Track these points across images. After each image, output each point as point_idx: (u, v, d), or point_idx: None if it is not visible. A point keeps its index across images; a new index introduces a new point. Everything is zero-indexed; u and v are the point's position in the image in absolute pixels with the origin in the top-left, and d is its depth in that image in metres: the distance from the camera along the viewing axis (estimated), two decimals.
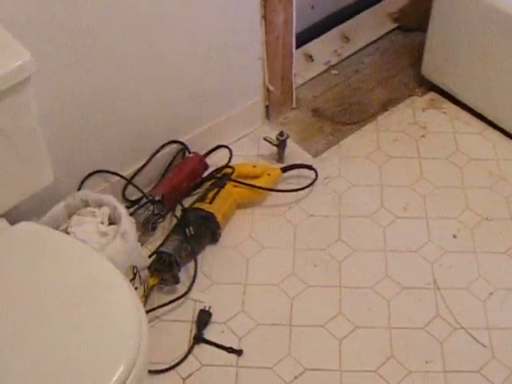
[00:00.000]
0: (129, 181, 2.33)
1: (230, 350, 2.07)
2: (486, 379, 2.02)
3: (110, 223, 2.09)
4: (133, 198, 2.36)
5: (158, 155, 2.41)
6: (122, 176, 2.32)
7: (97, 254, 1.65)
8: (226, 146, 2.54)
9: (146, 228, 2.28)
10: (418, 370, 2.04)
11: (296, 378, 2.02)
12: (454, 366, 2.04)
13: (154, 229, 2.32)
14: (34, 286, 1.56)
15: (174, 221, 2.34)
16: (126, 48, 2.09)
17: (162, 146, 2.41)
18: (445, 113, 2.78)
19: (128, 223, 2.03)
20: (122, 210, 2.07)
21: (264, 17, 2.38)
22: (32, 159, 1.78)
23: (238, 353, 2.07)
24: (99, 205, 2.11)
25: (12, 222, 1.75)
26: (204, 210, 2.28)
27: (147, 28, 2.10)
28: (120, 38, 2.05)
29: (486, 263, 2.29)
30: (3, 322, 1.50)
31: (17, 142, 1.70)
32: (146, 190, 2.34)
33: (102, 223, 2.07)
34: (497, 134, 2.69)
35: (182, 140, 2.45)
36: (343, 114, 2.75)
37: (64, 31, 1.90)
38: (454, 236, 2.36)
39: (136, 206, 2.31)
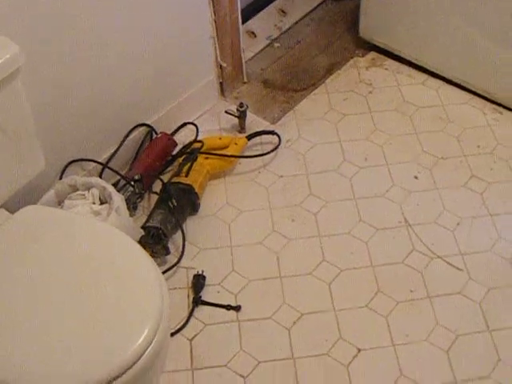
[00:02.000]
0: (105, 165, 2.42)
1: (228, 307, 2.19)
2: (467, 298, 2.20)
3: (101, 203, 2.18)
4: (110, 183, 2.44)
5: (128, 139, 2.50)
6: (98, 162, 2.40)
7: (117, 231, 1.74)
8: (192, 123, 2.66)
9: (128, 208, 2.36)
10: (405, 299, 2.21)
11: (295, 323, 2.16)
12: (436, 291, 2.22)
13: (135, 208, 2.42)
14: (64, 261, 1.65)
15: (153, 198, 2.44)
16: (85, 36, 2.16)
17: (131, 130, 2.51)
18: (387, 69, 2.96)
19: (119, 199, 2.14)
20: (110, 188, 2.17)
21: None
22: (25, 147, 1.84)
23: (237, 309, 2.19)
24: (87, 188, 2.20)
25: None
26: (182, 183, 2.40)
27: (100, 14, 2.17)
28: (79, 25, 2.12)
29: (448, 197, 2.47)
30: (54, 290, 1.59)
31: (10, 133, 1.77)
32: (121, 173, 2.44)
33: (94, 203, 2.16)
34: (439, 82, 2.89)
35: (148, 122, 2.55)
36: (292, 82, 2.91)
37: (34, 20, 1.97)
38: (415, 177, 2.54)
39: (116, 189, 2.39)
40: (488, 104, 2.80)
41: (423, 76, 2.92)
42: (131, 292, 1.59)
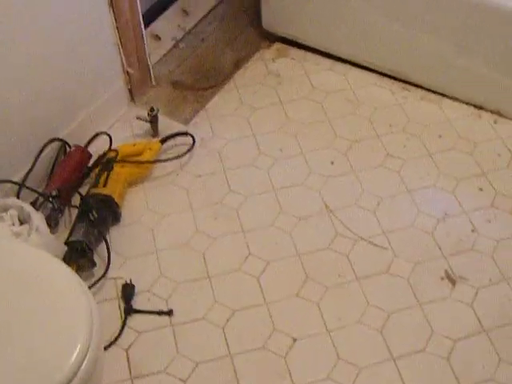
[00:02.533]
0: (21, 184, 2.38)
1: (160, 312, 2.19)
2: (395, 276, 2.25)
3: (21, 224, 2.16)
4: (28, 202, 2.41)
5: (42, 155, 2.46)
6: (14, 182, 2.37)
7: (34, 249, 1.71)
8: (105, 133, 2.63)
9: (49, 225, 2.33)
10: (334, 284, 2.24)
11: (228, 320, 2.16)
12: (364, 272, 2.26)
13: (56, 224, 2.38)
14: None
15: (73, 212, 2.41)
16: None
17: (44, 146, 2.47)
18: (293, 58, 2.99)
19: (38, 218, 2.12)
20: (28, 208, 2.15)
21: (111, 4, 2.48)
22: None
23: (169, 313, 2.19)
24: (5, 209, 2.17)
25: None
26: (101, 194, 2.38)
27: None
28: None
29: (365, 179, 2.51)
30: None
31: None
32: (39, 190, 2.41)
33: (13, 225, 2.13)
34: (346, 66, 2.94)
35: (60, 136, 2.52)
36: (201, 81, 2.91)
37: None
38: (332, 163, 2.57)
39: (34, 208, 2.36)
40: (396, 83, 2.86)
41: (330, 62, 2.96)
42: (58, 311, 1.56)
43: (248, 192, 2.49)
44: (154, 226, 2.41)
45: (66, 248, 2.23)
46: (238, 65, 2.95)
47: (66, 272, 1.65)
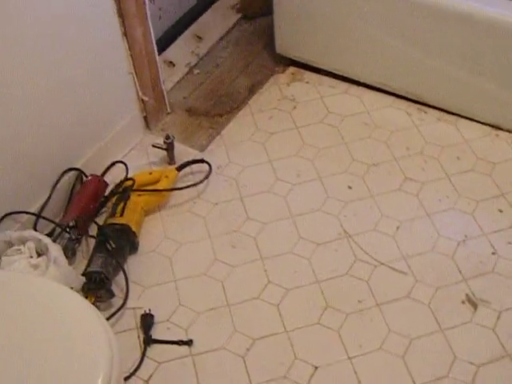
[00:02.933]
0: (38, 215, 2.38)
1: (180, 342, 2.17)
2: (416, 301, 2.22)
3: (38, 255, 2.15)
4: (45, 232, 2.41)
5: (58, 185, 2.46)
6: (31, 213, 2.37)
7: (55, 284, 1.71)
8: (121, 161, 2.63)
9: (66, 255, 2.33)
10: (354, 310, 2.21)
11: (248, 349, 2.14)
12: (385, 298, 2.23)
13: (73, 254, 2.38)
14: (2, 323, 1.60)
15: (90, 242, 2.41)
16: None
17: (60, 176, 2.47)
18: (308, 82, 2.98)
19: (56, 249, 2.12)
20: (46, 239, 2.15)
21: (124, 34, 2.48)
22: None
23: (189, 343, 2.17)
24: (23, 242, 2.17)
25: None
26: (118, 224, 2.37)
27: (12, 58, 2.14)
28: None
29: (384, 203, 2.49)
30: None
31: None
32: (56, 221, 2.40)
33: (31, 257, 2.13)
34: (361, 89, 2.92)
35: (76, 166, 2.52)
36: (216, 106, 2.90)
37: None
38: (349, 187, 2.55)
39: (51, 238, 2.36)
40: (412, 104, 2.84)
41: (345, 85, 2.95)
42: (78, 346, 1.54)
43: (266, 219, 2.47)
44: (172, 254, 2.40)
45: (83, 279, 2.21)
46: (252, 90, 2.95)
47: (84, 305, 1.65)
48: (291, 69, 3.05)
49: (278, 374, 2.08)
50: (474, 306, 2.19)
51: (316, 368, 2.08)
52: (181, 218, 2.50)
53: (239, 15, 3.31)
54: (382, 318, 2.18)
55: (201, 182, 2.59)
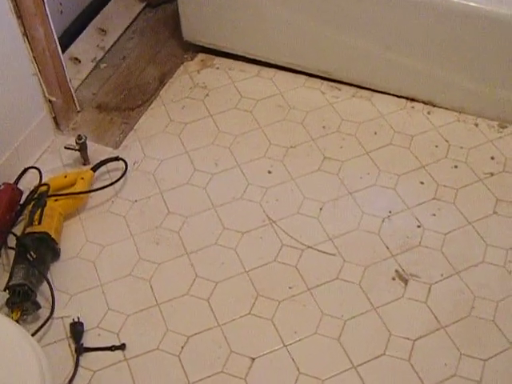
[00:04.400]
0: None
1: (113, 348, 2.13)
2: (346, 281, 2.22)
3: None
4: None
5: None
6: None
7: None
8: (33, 167, 2.55)
9: None
10: (286, 297, 2.20)
11: (182, 347, 2.11)
12: (315, 282, 2.22)
13: None
14: None
15: (10, 254, 2.33)
16: None
17: None
18: (218, 68, 2.94)
19: None
20: None
21: (25, 34, 2.40)
22: None
23: (122, 347, 2.12)
24: None
25: None
26: (37, 232, 2.30)
27: None
28: None
29: (305, 185, 2.48)
30: None
31: None
32: None
33: None
34: (272, 70, 2.90)
35: None
36: (126, 100, 2.84)
37: None
38: (269, 172, 2.53)
39: None
40: (325, 83, 2.83)
41: (256, 68, 2.92)
42: (5, 370, 1.50)
43: (187, 212, 2.43)
44: (95, 258, 2.35)
45: (6, 294, 2.14)
46: (162, 80, 2.89)
47: (6, 324, 1.60)
48: (200, 55, 3.00)
49: (215, 370, 2.06)
50: (405, 281, 2.20)
51: (253, 359, 2.07)
52: (101, 220, 2.45)
53: (143, 4, 3.24)
54: (314, 301, 2.17)
55: (117, 180, 2.53)
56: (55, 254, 2.34)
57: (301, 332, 2.11)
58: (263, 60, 2.88)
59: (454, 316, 2.13)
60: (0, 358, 1.52)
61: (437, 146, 2.57)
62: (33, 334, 2.13)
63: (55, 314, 2.20)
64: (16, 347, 1.54)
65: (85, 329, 2.17)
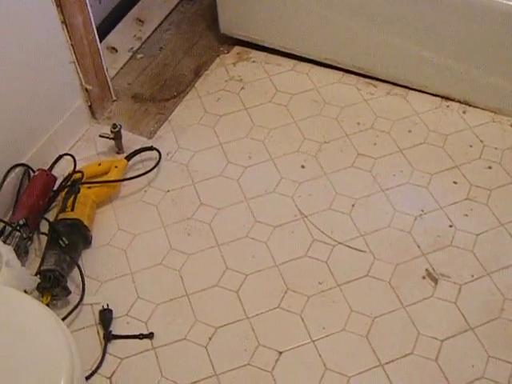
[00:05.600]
0: None
1: (141, 336, 2.14)
2: (376, 279, 2.21)
3: None
4: None
5: (5, 183, 2.40)
6: None
7: (7, 289, 1.67)
8: (68, 154, 2.57)
9: (19, 254, 2.28)
10: (315, 292, 2.19)
11: (210, 338, 2.11)
12: (345, 278, 2.22)
13: (26, 253, 2.33)
14: None
15: (43, 239, 2.35)
16: None
17: (7, 173, 2.41)
18: (254, 61, 2.93)
19: (7, 251, 2.05)
20: None
21: (64, 22, 2.42)
22: None
23: (150, 336, 2.13)
24: None
25: None
26: (69, 219, 2.32)
27: None
28: None
29: (338, 181, 2.47)
30: None
31: None
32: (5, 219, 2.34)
33: None
34: (308, 65, 2.90)
35: (23, 162, 2.46)
36: (162, 91, 2.85)
37: None
38: (303, 166, 2.53)
39: (2, 239, 2.30)
40: (361, 79, 2.82)
41: (292, 62, 2.92)
42: (36, 352, 1.51)
43: (219, 204, 2.44)
44: (127, 246, 2.36)
45: (38, 279, 2.16)
46: (198, 72, 2.90)
47: (39, 309, 1.61)
48: (236, 48, 3.00)
49: (242, 362, 2.06)
50: (435, 280, 2.19)
51: (280, 353, 2.07)
52: (133, 209, 2.46)
53: None
54: (343, 298, 2.17)
55: (151, 170, 2.54)
56: (87, 240, 2.35)
57: (329, 328, 2.11)
58: (299, 54, 2.88)
59: (484, 317, 2.11)
60: (31, 341, 1.52)
61: (471, 146, 2.55)
62: (63, 319, 2.14)
63: (85, 301, 2.22)
64: (47, 331, 1.55)
65: (114, 316, 2.18)
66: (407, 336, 2.08)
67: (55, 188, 2.48)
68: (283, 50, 2.89)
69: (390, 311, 2.14)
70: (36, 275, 2.20)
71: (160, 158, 2.57)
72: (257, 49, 2.97)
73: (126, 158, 2.56)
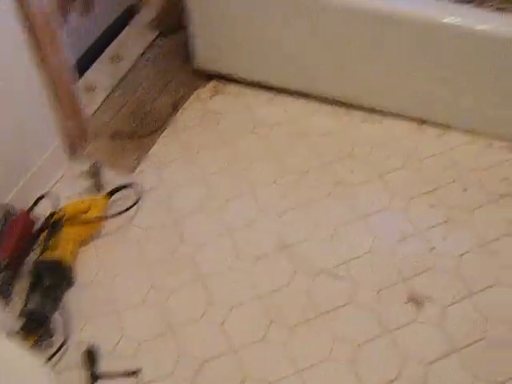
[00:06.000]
0: None
1: (127, 373, 2.13)
2: (359, 305, 2.24)
3: None
4: None
5: None
6: None
7: None
8: (48, 193, 2.57)
9: (1, 296, 2.28)
10: (299, 322, 2.21)
11: (197, 372, 2.11)
12: (328, 306, 2.25)
13: (9, 295, 2.32)
14: None
15: (25, 281, 2.34)
16: None
17: None
18: (230, 94, 2.96)
19: None
20: None
21: (41, 62, 2.42)
22: None
23: (136, 373, 2.13)
24: None
25: None
26: (52, 258, 2.32)
27: None
28: None
29: (317, 210, 2.50)
30: None
31: None
32: None
33: None
34: (284, 96, 2.94)
35: (3, 202, 2.46)
36: (140, 127, 2.86)
37: None
38: (283, 197, 2.56)
39: None
40: (337, 108, 2.87)
41: (269, 94, 2.94)
42: None
43: (201, 238, 2.45)
44: (110, 283, 2.36)
45: (21, 320, 2.16)
46: (175, 107, 2.91)
47: (20, 352, 1.58)
48: (213, 82, 3.02)
49: None
50: (418, 304, 2.20)
51: None
52: (115, 246, 2.46)
53: (156, 33, 3.27)
54: (327, 326, 2.18)
55: (131, 206, 2.54)
56: (70, 280, 2.35)
57: (314, 357, 2.12)
58: (276, 86, 2.90)
59: (468, 339, 2.13)
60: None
61: (449, 169, 2.57)
62: (48, 360, 2.14)
63: (70, 340, 2.21)
64: (29, 376, 1.53)
65: (99, 354, 2.17)
66: (393, 361, 2.09)
67: (37, 228, 2.47)
68: (260, 82, 2.90)
69: (375, 337, 2.14)
70: (20, 317, 2.19)
71: (141, 193, 2.57)
72: (233, 82, 2.99)
73: (106, 195, 2.56)
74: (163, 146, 2.78)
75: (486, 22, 2.43)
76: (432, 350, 2.11)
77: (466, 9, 2.51)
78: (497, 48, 2.43)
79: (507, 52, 2.42)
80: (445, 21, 2.43)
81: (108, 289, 2.34)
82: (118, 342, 2.21)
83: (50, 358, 2.15)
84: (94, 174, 2.59)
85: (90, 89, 3.01)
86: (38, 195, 2.59)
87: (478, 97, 2.57)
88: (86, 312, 2.29)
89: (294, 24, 2.65)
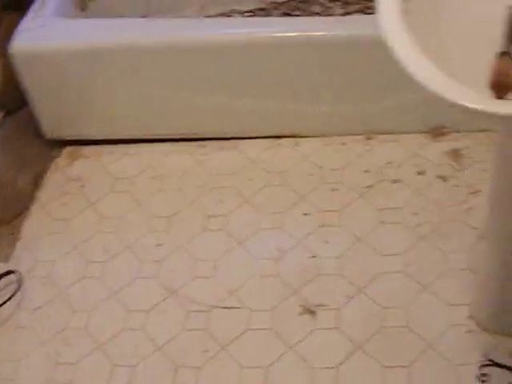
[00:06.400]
0: None
1: None
2: (257, 330, 2.27)
3: None
4: None
5: None
6: None
7: None
8: None
9: None
10: (203, 362, 2.22)
11: None
12: (228, 339, 2.26)
13: None
14: None
15: None
16: None
17: None
18: (87, 157, 2.94)
19: None
20: None
21: None
22: None
23: None
24: None
25: None
26: None
27: None
28: None
29: (195, 248, 2.53)
30: None
31: None
32: None
33: None
34: (139, 145, 2.93)
35: None
36: (5, 211, 2.77)
37: None
38: (158, 245, 2.56)
39: None
40: (190, 143, 2.87)
41: (123, 147, 2.93)
42: None
43: (90, 305, 2.43)
44: (10, 375, 2.31)
45: None
46: (36, 182, 2.88)
47: None
48: (67, 149, 3.00)
49: None
50: (312, 313, 2.23)
51: None
52: (7, 336, 2.42)
53: (2, 113, 3.22)
54: (231, 359, 2.19)
55: (15, 293, 2.51)
56: None
57: None
58: (127, 138, 2.90)
59: (368, 333, 2.17)
60: None
61: (311, 175, 2.63)
62: None
63: None
64: None
65: None
66: (303, 374, 2.12)
67: None
68: (110, 137, 2.91)
69: (280, 355, 2.17)
70: None
71: (21, 278, 2.54)
72: (86, 144, 2.98)
73: None
74: (33, 225, 2.75)
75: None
76: (337, 354, 2.15)
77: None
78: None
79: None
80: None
81: (12, 381, 2.30)
82: None
83: None
84: None
85: None
86: None
87: (318, 100, 2.64)
88: None
89: (128, 76, 2.70)
